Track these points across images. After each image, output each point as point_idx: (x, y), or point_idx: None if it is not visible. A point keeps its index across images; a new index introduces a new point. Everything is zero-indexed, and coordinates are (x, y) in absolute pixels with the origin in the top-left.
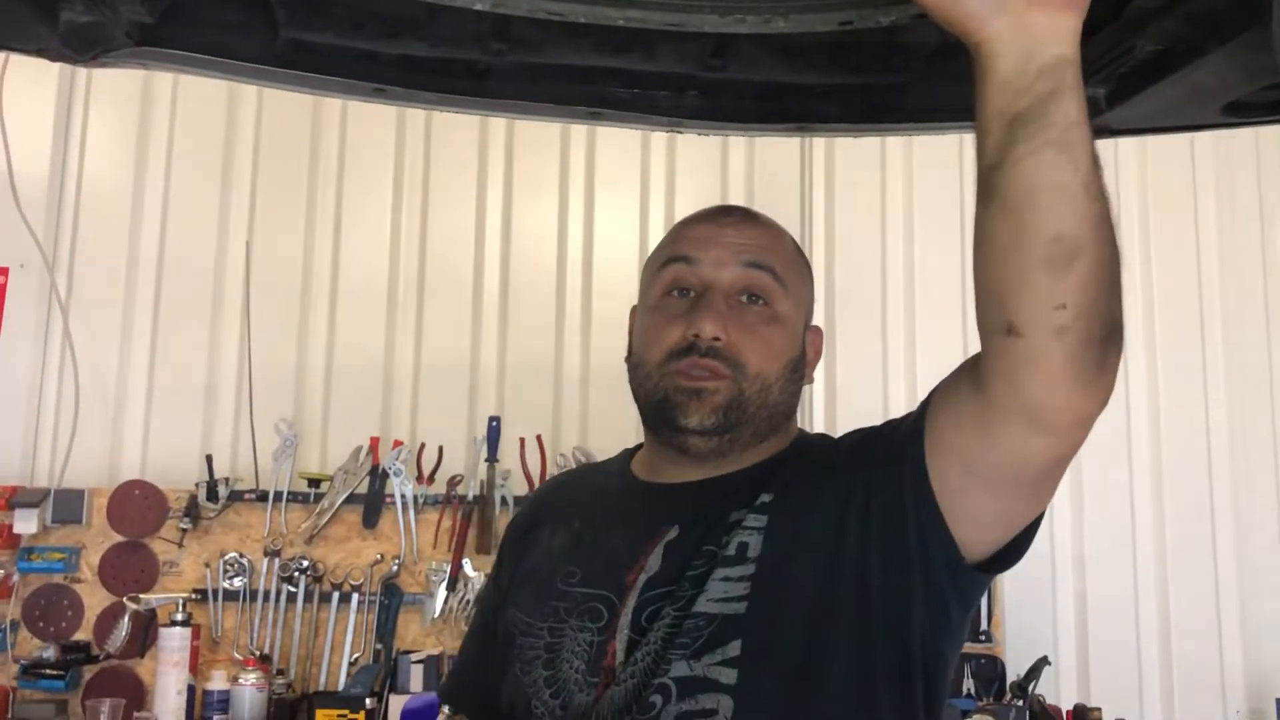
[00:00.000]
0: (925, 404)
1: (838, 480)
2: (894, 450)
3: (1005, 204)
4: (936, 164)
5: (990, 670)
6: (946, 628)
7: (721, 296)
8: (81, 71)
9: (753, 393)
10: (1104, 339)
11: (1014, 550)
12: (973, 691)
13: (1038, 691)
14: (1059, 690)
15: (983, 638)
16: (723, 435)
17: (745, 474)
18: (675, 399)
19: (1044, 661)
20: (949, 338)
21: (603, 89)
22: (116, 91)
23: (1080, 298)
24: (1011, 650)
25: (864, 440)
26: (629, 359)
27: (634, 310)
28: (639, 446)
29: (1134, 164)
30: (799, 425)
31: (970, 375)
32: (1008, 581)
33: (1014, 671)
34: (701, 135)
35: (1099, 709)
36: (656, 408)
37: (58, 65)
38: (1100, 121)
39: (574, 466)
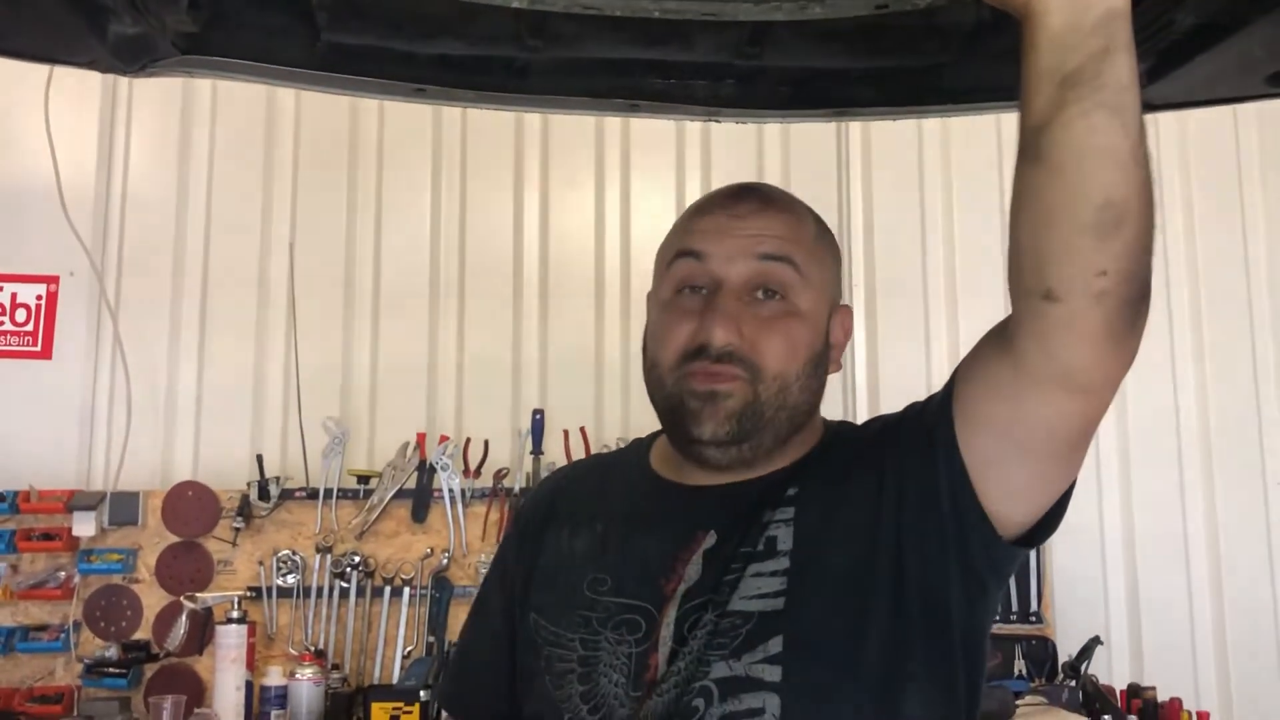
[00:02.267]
0: (951, 381)
1: (866, 467)
2: (922, 431)
3: (1053, 166)
4: (974, 143)
5: (1041, 651)
6: (984, 605)
7: (734, 295)
8: (124, 80)
9: (769, 395)
10: (1137, 301)
11: (1047, 525)
12: (1025, 673)
13: (1090, 671)
14: (1111, 670)
15: (1033, 619)
16: (740, 444)
17: (779, 475)
18: (689, 404)
19: (1096, 641)
20: (992, 319)
21: (639, 81)
22: (158, 98)
23: (1122, 264)
24: (1062, 631)
25: (889, 425)
26: (644, 357)
27: (650, 296)
28: (653, 436)
29: (1174, 133)
30: (840, 416)
31: (997, 343)
32: (1058, 562)
33: (1065, 652)
34: (739, 124)
35: (1153, 688)
36: (671, 415)
37: (100, 75)
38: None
39: (587, 457)
